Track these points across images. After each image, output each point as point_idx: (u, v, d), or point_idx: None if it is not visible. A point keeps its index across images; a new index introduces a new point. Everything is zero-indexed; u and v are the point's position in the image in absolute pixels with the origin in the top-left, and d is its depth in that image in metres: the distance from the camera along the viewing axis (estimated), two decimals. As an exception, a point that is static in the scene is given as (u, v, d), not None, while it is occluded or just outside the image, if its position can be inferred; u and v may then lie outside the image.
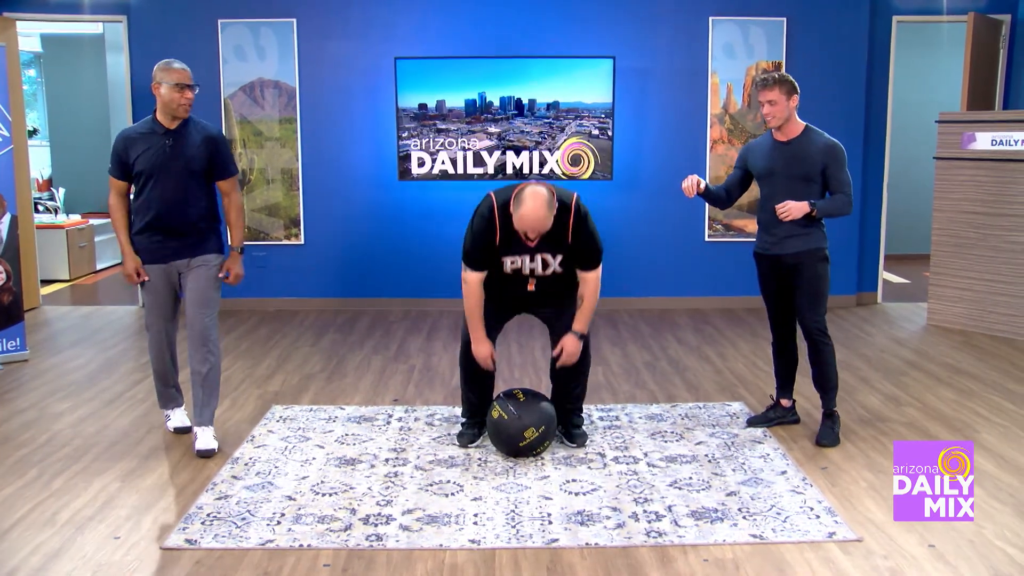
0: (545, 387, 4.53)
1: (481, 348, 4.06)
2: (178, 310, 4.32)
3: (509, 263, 4.01)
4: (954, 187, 6.55)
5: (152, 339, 4.31)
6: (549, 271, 4.03)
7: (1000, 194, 6.32)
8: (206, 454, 4.14)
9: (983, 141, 6.38)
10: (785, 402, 4.56)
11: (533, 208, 3.76)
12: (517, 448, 4.02)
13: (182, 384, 4.47)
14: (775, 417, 4.53)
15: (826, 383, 4.32)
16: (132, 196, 4.16)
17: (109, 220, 4.23)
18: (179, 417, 4.43)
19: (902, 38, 7.57)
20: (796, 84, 4.15)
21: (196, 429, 4.23)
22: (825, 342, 4.27)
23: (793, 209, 4.13)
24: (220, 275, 4.23)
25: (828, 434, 4.27)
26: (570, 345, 4.05)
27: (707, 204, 4.54)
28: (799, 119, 4.23)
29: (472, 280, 4.03)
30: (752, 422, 4.54)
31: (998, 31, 7.47)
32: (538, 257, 4.00)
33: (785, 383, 4.56)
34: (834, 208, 4.18)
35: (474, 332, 4.07)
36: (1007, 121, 6.37)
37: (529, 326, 4.33)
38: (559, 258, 4.01)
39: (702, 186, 4.28)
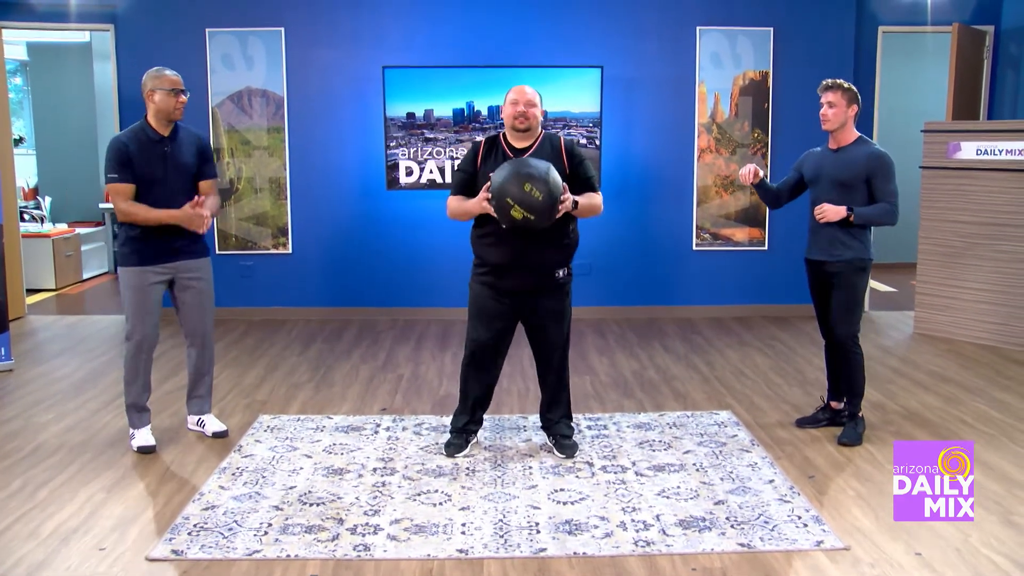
0: (534, 395, 4.53)
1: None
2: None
3: None
4: (940, 196, 6.59)
5: (138, 350, 4.26)
6: None
7: (985, 203, 6.36)
8: (222, 434, 4.48)
9: (968, 150, 6.43)
10: (836, 404, 4.62)
11: (520, 85, 4.06)
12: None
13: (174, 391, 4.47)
14: (824, 418, 4.62)
15: (853, 388, 4.44)
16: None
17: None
18: (144, 436, 4.34)
19: (888, 48, 7.63)
20: (858, 97, 4.32)
21: (202, 416, 4.54)
22: (855, 351, 4.40)
23: (829, 212, 4.26)
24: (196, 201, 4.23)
25: (850, 433, 4.38)
26: (568, 203, 3.89)
27: (761, 197, 4.61)
28: (855, 130, 4.37)
29: (450, 200, 4.09)
30: (801, 423, 4.64)
31: (982, 42, 7.53)
32: None
33: (835, 386, 4.62)
34: (875, 216, 4.27)
35: (466, 206, 4.02)
36: (992, 131, 6.42)
37: (518, 339, 4.33)
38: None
39: (759, 176, 4.42)
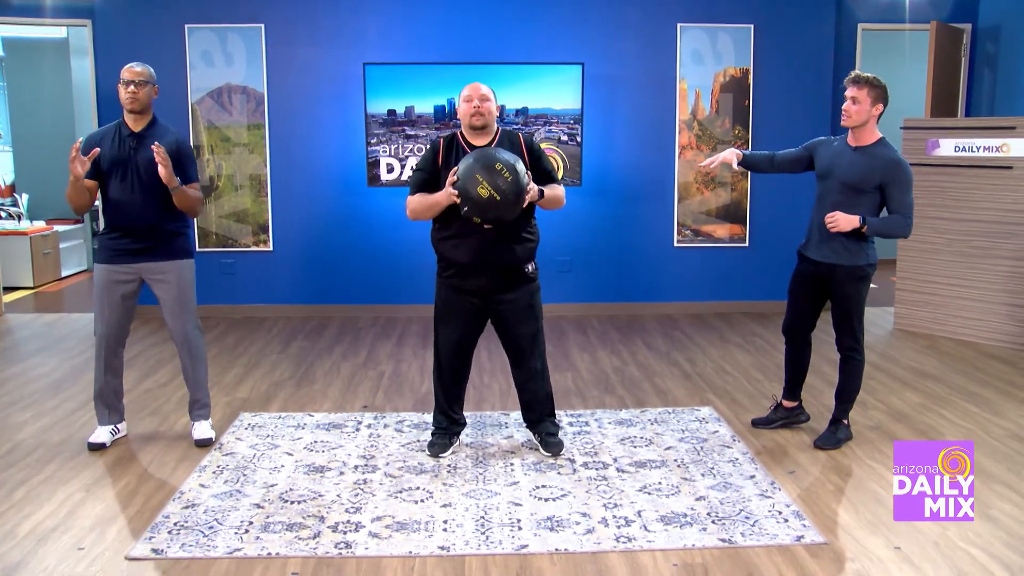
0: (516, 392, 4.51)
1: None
2: (132, 319, 4.33)
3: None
4: (919, 193, 6.55)
5: (99, 345, 4.28)
6: None
7: (964, 199, 6.41)
8: (204, 443, 4.33)
9: (947, 147, 6.47)
10: (788, 403, 4.57)
11: (473, 83, 4.06)
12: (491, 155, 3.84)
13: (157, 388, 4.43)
14: (778, 418, 4.57)
15: (844, 395, 4.34)
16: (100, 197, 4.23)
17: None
18: (99, 433, 4.34)
19: (867, 45, 7.68)
20: (887, 95, 4.05)
21: (193, 423, 4.42)
22: (855, 357, 4.26)
23: (841, 222, 4.00)
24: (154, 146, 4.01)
25: (828, 438, 4.31)
26: (533, 193, 3.91)
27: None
28: (877, 131, 4.11)
29: (411, 199, 4.03)
30: (756, 424, 4.59)
31: (960, 39, 7.59)
32: None
33: (791, 386, 4.56)
34: (887, 228, 4.02)
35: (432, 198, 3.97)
36: (970, 128, 6.47)
37: (496, 336, 4.31)
38: None
39: (738, 158, 4.37)
